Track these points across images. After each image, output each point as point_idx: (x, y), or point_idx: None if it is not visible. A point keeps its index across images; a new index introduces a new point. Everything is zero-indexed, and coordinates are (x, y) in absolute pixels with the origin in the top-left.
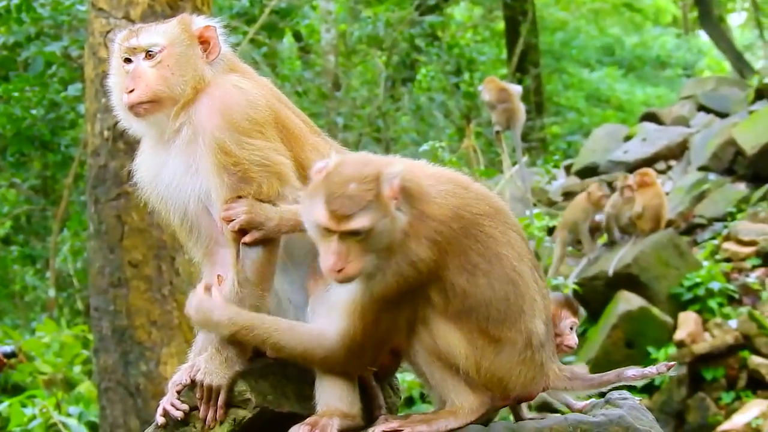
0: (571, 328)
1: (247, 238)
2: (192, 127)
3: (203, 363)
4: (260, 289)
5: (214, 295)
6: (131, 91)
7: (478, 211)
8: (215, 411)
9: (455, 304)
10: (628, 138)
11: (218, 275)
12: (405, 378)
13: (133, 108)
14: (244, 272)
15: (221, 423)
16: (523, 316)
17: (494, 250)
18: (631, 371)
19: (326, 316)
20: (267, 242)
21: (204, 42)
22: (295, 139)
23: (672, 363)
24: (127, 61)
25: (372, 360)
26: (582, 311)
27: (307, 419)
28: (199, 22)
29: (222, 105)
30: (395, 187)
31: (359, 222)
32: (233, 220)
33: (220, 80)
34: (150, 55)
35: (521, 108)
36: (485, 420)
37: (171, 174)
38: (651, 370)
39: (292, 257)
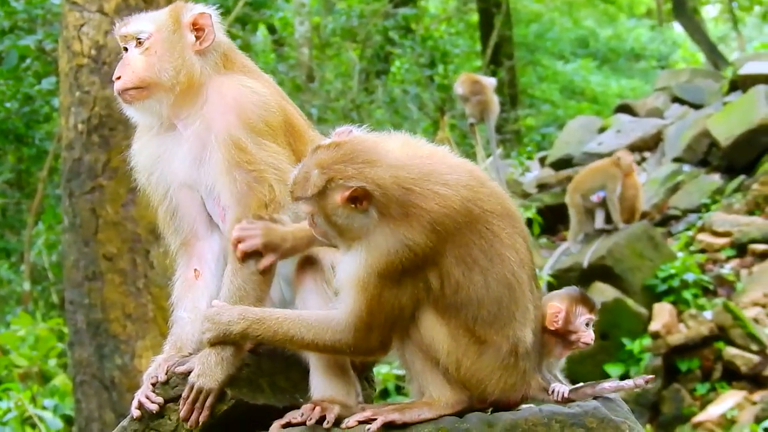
0: (587, 324)
1: (262, 263)
2: (204, 122)
3: (198, 363)
4: (257, 300)
5: (216, 303)
6: (119, 78)
7: (489, 208)
8: (200, 413)
9: (448, 297)
10: (602, 130)
11: (195, 269)
12: (380, 370)
13: (121, 95)
14: (242, 283)
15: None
16: (513, 323)
17: (497, 250)
18: (607, 384)
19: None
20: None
21: (198, 29)
22: (299, 137)
23: (650, 377)
24: (126, 50)
25: (380, 344)
26: (598, 305)
27: (307, 404)
28: (193, 9)
29: (236, 104)
30: (344, 197)
31: (301, 207)
32: (244, 240)
33: (227, 77)
34: (140, 42)
35: (495, 100)
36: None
37: (173, 161)
38: (628, 383)
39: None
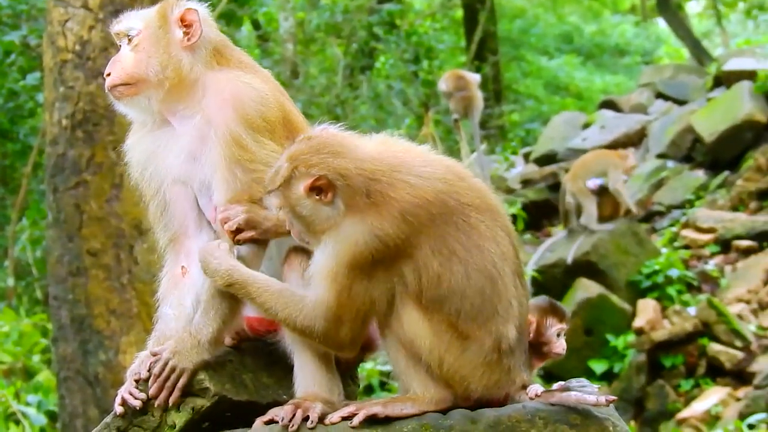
0: (559, 335)
1: (240, 236)
2: (203, 117)
3: (173, 343)
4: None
5: (222, 246)
6: (109, 75)
7: (466, 201)
8: (169, 393)
9: (430, 290)
10: (586, 125)
11: (182, 266)
12: (364, 366)
13: (111, 91)
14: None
15: (179, 411)
16: (495, 317)
17: (476, 242)
18: (574, 395)
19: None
20: (257, 242)
21: (186, 25)
22: (297, 134)
23: (613, 398)
24: (120, 47)
25: (350, 340)
26: (568, 313)
27: (290, 401)
28: (182, 5)
29: (234, 100)
30: (306, 186)
31: (272, 201)
32: (230, 220)
33: (223, 73)
34: (130, 39)
35: (479, 96)
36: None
37: (167, 157)
38: (591, 398)
39: (280, 244)
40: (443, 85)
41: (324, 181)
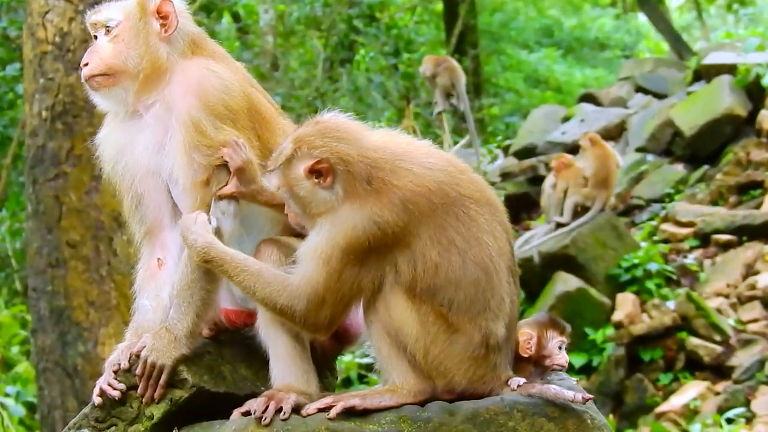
0: (560, 348)
1: (225, 189)
2: (165, 104)
3: (150, 339)
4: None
5: (202, 220)
6: (87, 65)
7: (466, 194)
8: (154, 390)
9: (425, 279)
10: (566, 119)
11: (158, 258)
12: (342, 359)
13: (88, 81)
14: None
15: (158, 403)
16: (487, 312)
17: (474, 234)
18: (552, 389)
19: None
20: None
21: (163, 17)
22: (266, 125)
23: (590, 396)
24: (95, 37)
25: (328, 323)
26: (569, 327)
27: (264, 392)
28: None
29: (198, 86)
30: (307, 168)
31: (272, 180)
32: (230, 152)
33: (192, 61)
34: (108, 29)
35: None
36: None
37: (136, 149)
38: (569, 394)
39: (251, 233)
40: (424, 67)
41: (325, 165)
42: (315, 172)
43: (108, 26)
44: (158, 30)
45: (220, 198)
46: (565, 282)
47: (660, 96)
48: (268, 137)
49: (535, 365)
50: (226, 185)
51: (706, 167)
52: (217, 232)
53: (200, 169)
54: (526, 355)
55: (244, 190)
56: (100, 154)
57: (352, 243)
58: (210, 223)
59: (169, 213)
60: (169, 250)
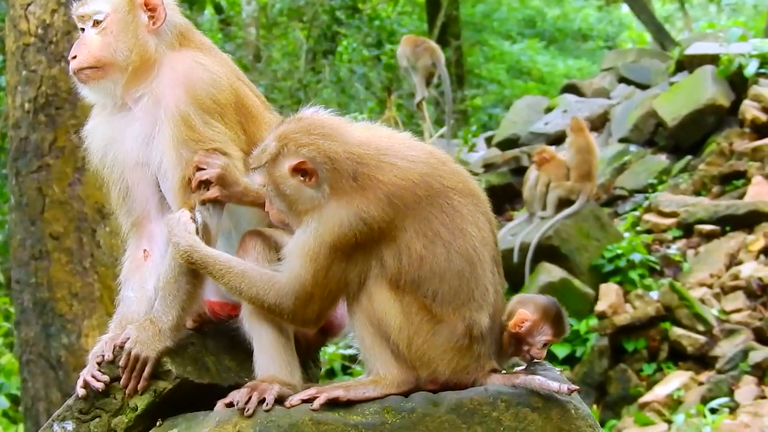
0: (545, 345)
1: (208, 194)
2: (153, 97)
3: (134, 331)
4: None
5: (185, 221)
6: (75, 58)
7: (449, 185)
8: (137, 382)
9: (410, 272)
10: (549, 110)
11: (144, 250)
12: (326, 350)
13: (76, 74)
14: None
15: (142, 394)
16: (471, 302)
17: (459, 225)
18: (537, 380)
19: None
20: (218, 203)
21: (151, 9)
22: (252, 119)
23: (575, 387)
24: (83, 30)
25: (316, 317)
26: (567, 332)
27: (248, 383)
28: None
29: (186, 79)
30: (293, 166)
31: (256, 178)
32: (203, 169)
33: (180, 53)
34: (96, 22)
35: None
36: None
37: (125, 141)
38: (554, 385)
39: (238, 227)
40: (402, 49)
41: (310, 166)
42: (301, 170)
43: (96, 18)
44: (146, 22)
45: (204, 203)
46: (549, 272)
47: (643, 86)
48: (254, 131)
49: (515, 344)
50: (209, 191)
51: (689, 157)
52: (204, 229)
53: (188, 164)
54: (513, 331)
55: (228, 193)
56: (87, 145)
57: (339, 240)
58: (196, 221)
59: (157, 205)
60: (155, 241)
